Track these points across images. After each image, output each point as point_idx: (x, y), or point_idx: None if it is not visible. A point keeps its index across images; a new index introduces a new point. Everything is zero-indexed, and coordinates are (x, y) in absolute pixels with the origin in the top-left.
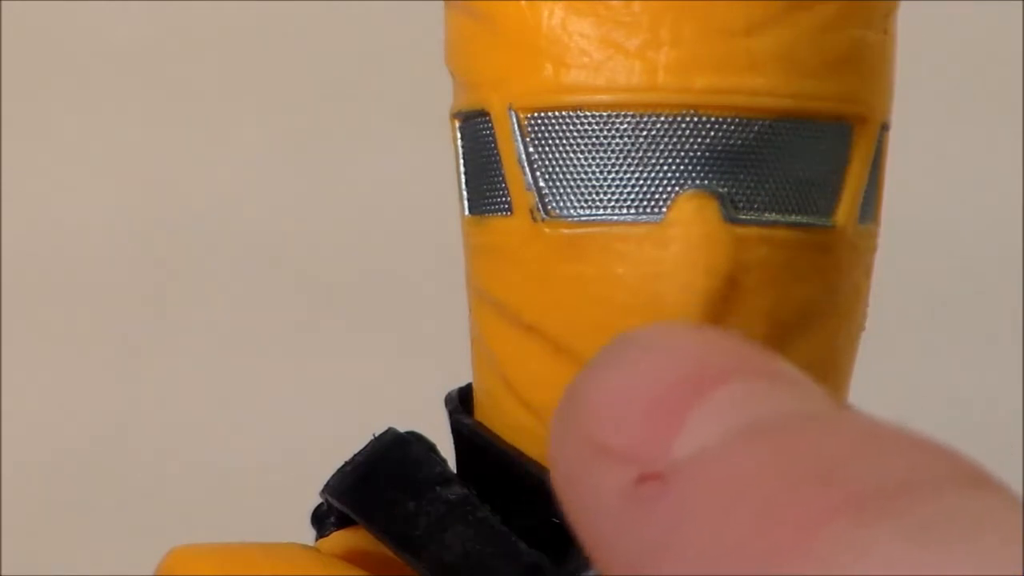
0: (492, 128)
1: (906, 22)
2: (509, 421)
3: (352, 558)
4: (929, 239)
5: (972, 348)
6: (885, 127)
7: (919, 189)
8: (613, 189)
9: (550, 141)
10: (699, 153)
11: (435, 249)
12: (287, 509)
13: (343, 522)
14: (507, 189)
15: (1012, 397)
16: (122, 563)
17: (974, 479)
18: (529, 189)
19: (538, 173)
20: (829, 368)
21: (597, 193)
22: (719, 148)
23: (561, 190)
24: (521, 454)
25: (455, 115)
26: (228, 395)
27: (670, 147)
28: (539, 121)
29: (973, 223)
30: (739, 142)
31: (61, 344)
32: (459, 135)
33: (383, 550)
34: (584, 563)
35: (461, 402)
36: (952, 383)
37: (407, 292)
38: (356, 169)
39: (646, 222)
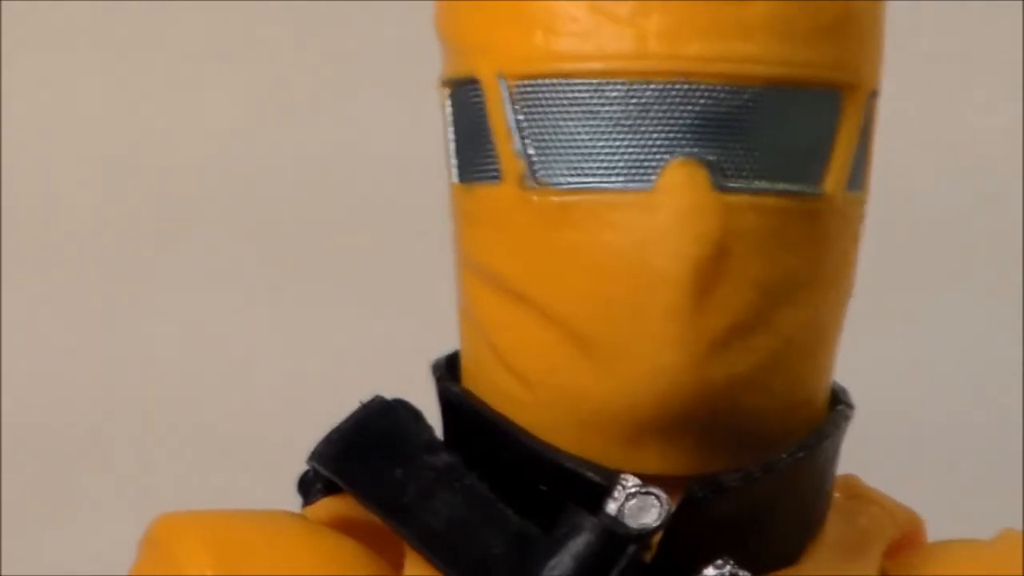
0: (482, 95)
1: None
2: (497, 389)
3: (339, 525)
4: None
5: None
6: (874, 95)
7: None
8: (603, 157)
9: (540, 109)
10: (689, 121)
11: (423, 212)
12: (274, 474)
13: (330, 489)
14: (497, 157)
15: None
16: (109, 513)
17: None
18: (518, 157)
19: (527, 141)
20: (817, 334)
21: (587, 161)
22: (709, 115)
23: (551, 158)
24: (509, 422)
25: (445, 82)
26: (214, 363)
27: (660, 115)
28: (529, 89)
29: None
30: (729, 109)
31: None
32: (448, 102)
33: (370, 517)
34: (572, 529)
35: (448, 369)
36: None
37: (393, 257)
38: (344, 127)
39: (636, 190)
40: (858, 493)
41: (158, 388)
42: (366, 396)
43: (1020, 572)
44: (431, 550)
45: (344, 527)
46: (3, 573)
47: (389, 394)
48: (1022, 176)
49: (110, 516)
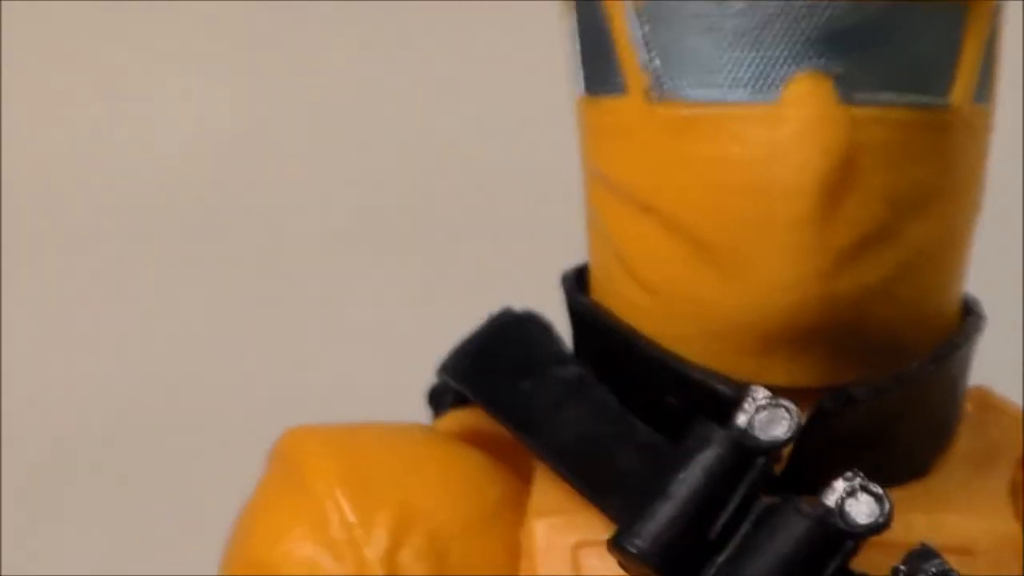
0: (607, 8)
1: None
2: (625, 300)
3: (468, 437)
4: None
5: None
6: (999, 7)
7: None
8: (728, 70)
9: (664, 22)
10: (813, 34)
11: (428, 208)
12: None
13: (460, 401)
14: (622, 69)
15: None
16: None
17: None
18: (644, 69)
19: (653, 53)
20: (946, 246)
21: (711, 74)
22: (834, 28)
23: (676, 71)
24: (637, 333)
25: None
26: (216, 362)
27: (784, 28)
28: (653, 2)
29: None
30: (854, 22)
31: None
32: (573, 15)
33: (499, 429)
34: (702, 442)
35: (577, 282)
36: None
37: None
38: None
39: (761, 103)
40: (990, 404)
41: (158, 388)
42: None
43: None
44: (561, 462)
45: (473, 439)
46: (3, 573)
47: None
48: (1022, 176)
49: (111, 516)
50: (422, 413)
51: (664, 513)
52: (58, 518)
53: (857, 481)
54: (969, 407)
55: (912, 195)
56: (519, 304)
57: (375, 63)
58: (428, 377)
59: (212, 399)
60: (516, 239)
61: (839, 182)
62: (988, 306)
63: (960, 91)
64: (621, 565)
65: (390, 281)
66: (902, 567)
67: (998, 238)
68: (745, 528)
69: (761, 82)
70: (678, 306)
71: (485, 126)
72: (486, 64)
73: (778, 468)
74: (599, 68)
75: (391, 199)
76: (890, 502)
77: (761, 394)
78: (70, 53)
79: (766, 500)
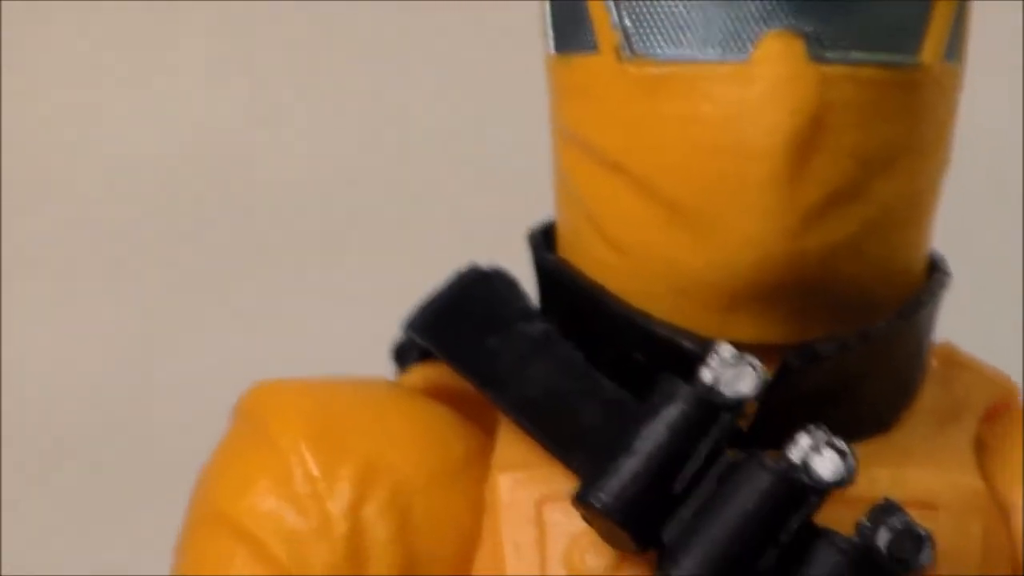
0: None
1: None
2: (593, 258)
3: (433, 392)
4: None
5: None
6: None
7: None
8: (699, 29)
9: None
10: None
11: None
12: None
13: (424, 357)
14: (593, 27)
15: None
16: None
17: None
18: (615, 27)
19: (624, 12)
20: (914, 204)
21: (683, 32)
22: None
23: (647, 29)
24: (604, 290)
25: None
26: (215, 362)
27: None
28: None
29: None
30: None
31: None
32: None
33: (464, 385)
34: (667, 398)
35: (544, 239)
36: None
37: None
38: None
39: (732, 61)
40: (954, 360)
41: (157, 387)
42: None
43: None
44: (525, 418)
45: (438, 394)
46: (3, 573)
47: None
48: (1022, 175)
49: (111, 515)
50: (388, 368)
51: (628, 468)
52: (58, 518)
53: (822, 436)
54: (934, 363)
55: (881, 153)
56: (485, 260)
57: (379, 62)
58: None
59: (212, 397)
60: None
61: (808, 141)
62: (988, 305)
63: (930, 50)
64: (585, 519)
65: (388, 280)
66: (866, 522)
67: (998, 237)
68: (709, 483)
69: (732, 41)
70: (646, 264)
71: (484, 125)
72: (486, 64)
73: (743, 424)
74: (570, 26)
75: (389, 197)
76: (854, 457)
77: (727, 350)
78: (70, 50)
79: (730, 455)
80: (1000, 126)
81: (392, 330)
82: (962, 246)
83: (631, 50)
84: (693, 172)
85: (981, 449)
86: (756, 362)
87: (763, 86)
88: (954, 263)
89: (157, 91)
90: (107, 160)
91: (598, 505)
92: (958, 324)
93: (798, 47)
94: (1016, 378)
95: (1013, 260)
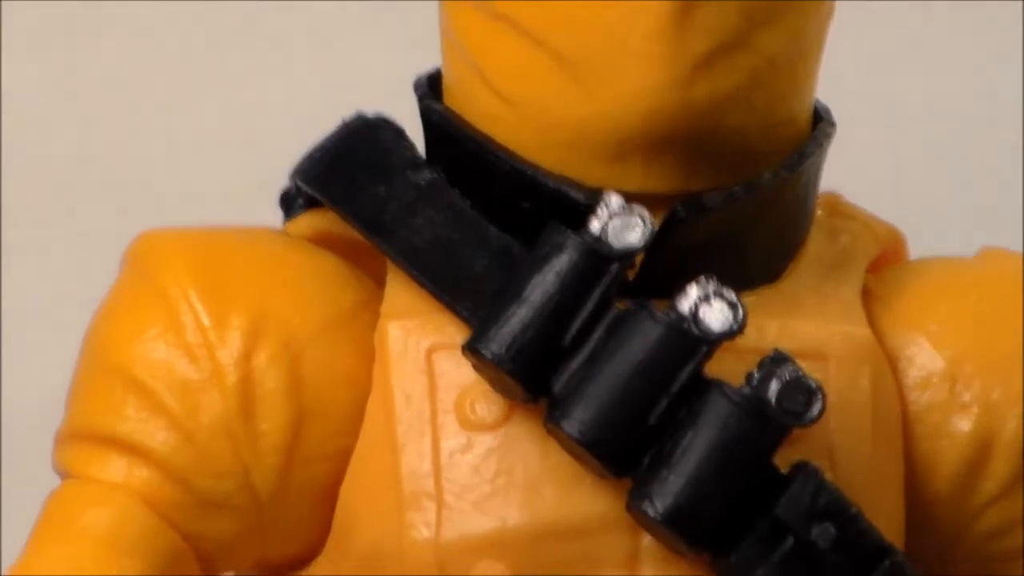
0: None
1: None
2: (480, 109)
3: (320, 240)
4: None
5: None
6: None
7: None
8: None
9: None
10: None
11: None
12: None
13: (311, 205)
14: None
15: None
16: None
17: None
18: None
19: None
20: (799, 54)
21: None
22: None
23: None
24: (492, 140)
25: None
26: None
27: None
28: None
29: None
30: None
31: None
32: None
33: (352, 233)
34: (555, 248)
35: (430, 88)
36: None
37: None
38: None
39: None
40: (840, 210)
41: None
42: (348, 113)
43: (1001, 284)
44: (413, 266)
45: (326, 242)
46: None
47: (370, 111)
48: (1022, 176)
49: None
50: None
51: (518, 318)
52: None
53: (711, 287)
54: (820, 213)
55: (766, 3)
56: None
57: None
58: None
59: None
60: None
61: None
62: None
63: None
64: (475, 368)
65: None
66: (755, 372)
67: (998, 236)
68: (598, 333)
69: None
70: (534, 115)
71: None
72: None
73: (632, 274)
74: None
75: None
76: (744, 308)
77: (615, 200)
78: (72, 44)
79: (620, 306)
80: (1000, 126)
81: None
82: (961, 246)
83: None
84: (580, 22)
85: (868, 298)
86: (644, 212)
87: None
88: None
89: (169, 89)
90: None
91: (488, 354)
92: None
93: None
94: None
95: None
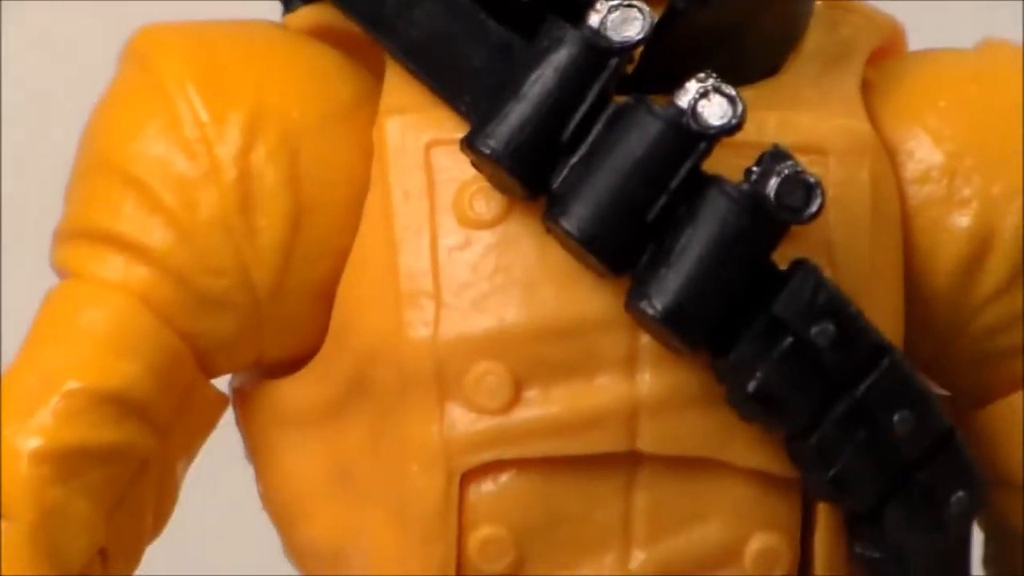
0: None
1: None
2: None
3: (319, 33)
4: None
5: None
6: None
7: None
8: None
9: None
10: None
11: None
12: None
13: None
14: None
15: None
16: None
17: None
18: None
19: None
20: None
21: None
22: None
23: None
24: None
25: None
26: None
27: None
28: None
29: None
30: None
31: None
32: None
33: (351, 27)
34: (554, 42)
35: None
36: None
37: None
38: None
39: None
40: (840, 3)
41: None
42: None
43: (1001, 77)
44: (413, 60)
45: (325, 36)
46: None
47: None
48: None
49: None
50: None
51: (517, 114)
52: None
53: (710, 82)
54: (819, 4)
55: None
56: None
57: None
58: None
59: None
60: None
61: None
62: None
63: None
64: (473, 164)
65: None
66: (754, 168)
67: None
68: (597, 129)
69: None
70: None
71: None
72: None
73: (630, 69)
74: None
75: None
76: (743, 103)
77: None
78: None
79: (619, 101)
80: None
81: None
82: None
83: None
84: None
85: (868, 91)
86: (643, 6)
87: None
88: None
89: None
90: None
91: (487, 150)
92: None
93: None
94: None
95: None
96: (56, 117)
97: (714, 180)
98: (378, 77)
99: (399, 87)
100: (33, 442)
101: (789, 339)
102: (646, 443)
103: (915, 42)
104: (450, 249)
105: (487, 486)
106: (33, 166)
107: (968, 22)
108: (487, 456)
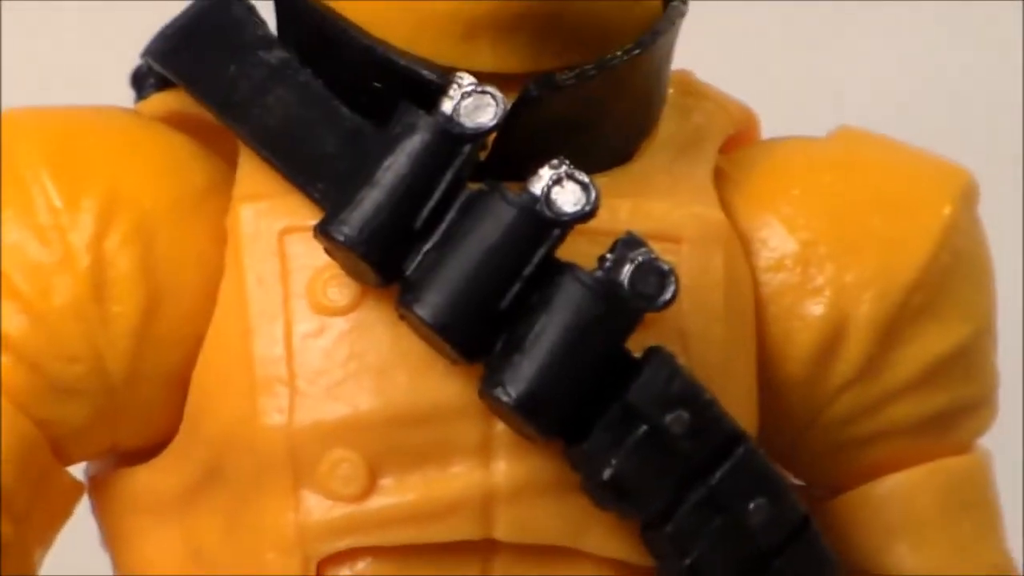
0: None
1: None
2: None
3: (172, 120)
4: None
5: None
6: None
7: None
8: None
9: None
10: None
11: None
12: None
13: (163, 84)
14: None
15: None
16: None
17: None
18: None
19: None
20: None
21: None
22: None
23: None
24: (342, 17)
25: None
26: None
27: None
28: None
29: None
30: None
31: None
32: None
33: (204, 113)
34: (407, 128)
35: None
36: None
37: None
38: None
39: None
40: (692, 89)
41: None
42: None
43: (855, 165)
44: (265, 146)
45: (178, 122)
46: None
47: None
48: (1022, 178)
49: None
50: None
51: (370, 200)
52: None
53: (563, 169)
54: (672, 91)
55: None
56: None
57: None
58: None
59: None
60: None
61: None
62: None
63: None
64: (327, 251)
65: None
66: (608, 255)
67: (999, 237)
68: (451, 216)
69: None
70: None
71: None
72: None
73: (484, 155)
74: None
75: None
76: (596, 190)
77: (467, 80)
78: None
79: (472, 188)
80: (1000, 126)
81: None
82: None
83: None
84: None
85: (722, 179)
86: (496, 92)
87: None
88: None
89: None
90: None
91: (340, 237)
92: None
93: None
94: (1017, 378)
95: (1013, 260)
96: None
97: (568, 267)
98: (231, 163)
99: (252, 173)
100: None
101: (643, 427)
102: (502, 531)
103: (916, 41)
104: (304, 336)
105: (343, 573)
106: None
107: (969, 22)
108: (343, 544)
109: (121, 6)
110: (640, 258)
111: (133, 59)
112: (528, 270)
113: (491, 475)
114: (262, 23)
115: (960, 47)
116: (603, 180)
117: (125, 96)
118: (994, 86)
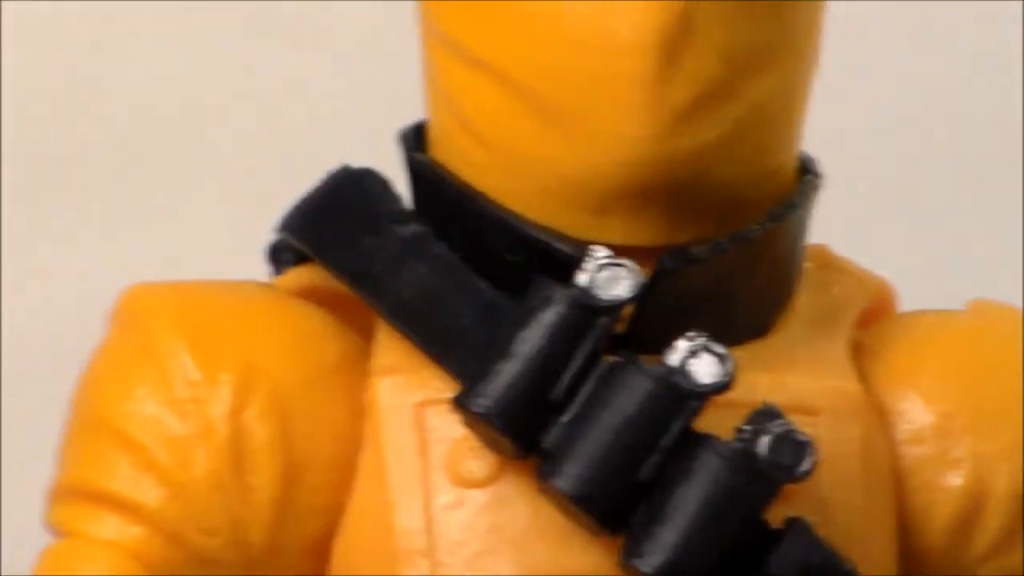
0: None
1: None
2: (463, 157)
3: (308, 295)
4: None
5: None
6: None
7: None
8: None
9: None
10: None
11: None
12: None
13: (299, 259)
14: None
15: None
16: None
17: None
18: None
19: None
20: (785, 104)
21: None
22: None
23: None
24: (475, 190)
25: None
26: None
27: None
28: None
29: None
30: None
31: None
32: None
33: (339, 287)
34: (543, 301)
35: (415, 139)
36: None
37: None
38: None
39: None
40: (829, 263)
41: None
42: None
43: (993, 337)
44: (401, 320)
45: (313, 297)
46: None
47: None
48: (1022, 176)
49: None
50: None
51: (507, 372)
52: None
53: (700, 341)
54: (809, 265)
55: (750, 51)
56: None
57: None
58: None
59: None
60: None
61: (677, 39)
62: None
63: None
64: (465, 424)
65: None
66: (746, 427)
67: (998, 239)
68: (588, 388)
69: None
70: (514, 163)
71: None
72: None
73: (620, 328)
74: None
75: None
76: (733, 361)
77: (601, 253)
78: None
79: (609, 360)
80: (1001, 125)
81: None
82: (962, 246)
83: None
84: (559, 69)
85: (858, 352)
86: (631, 264)
87: None
88: (954, 264)
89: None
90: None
91: (478, 410)
92: None
93: None
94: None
95: (1013, 260)
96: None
97: (706, 438)
98: (367, 336)
99: (389, 347)
100: None
101: None
102: None
103: (915, 42)
104: (444, 508)
105: None
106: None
107: (969, 22)
108: None
109: None
110: (777, 429)
111: None
112: (666, 441)
113: None
114: (396, 197)
115: (960, 47)
116: (740, 353)
117: None
118: (994, 86)
